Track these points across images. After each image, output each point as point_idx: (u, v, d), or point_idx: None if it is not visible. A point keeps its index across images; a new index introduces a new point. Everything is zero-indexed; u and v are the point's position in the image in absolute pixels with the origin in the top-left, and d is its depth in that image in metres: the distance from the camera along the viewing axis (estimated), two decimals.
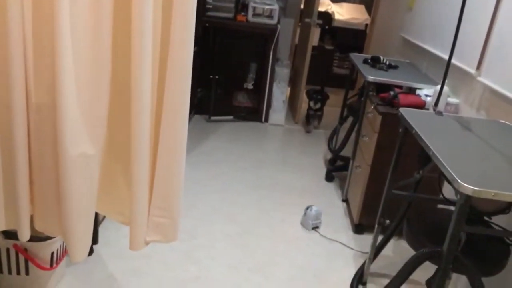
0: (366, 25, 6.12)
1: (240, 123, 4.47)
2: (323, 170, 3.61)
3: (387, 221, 2.15)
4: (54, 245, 1.93)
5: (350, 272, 2.36)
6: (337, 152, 3.51)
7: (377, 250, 2.32)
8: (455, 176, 1.33)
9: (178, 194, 1.47)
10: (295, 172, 3.54)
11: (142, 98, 1.36)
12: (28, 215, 1.47)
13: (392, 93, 2.59)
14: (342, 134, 3.53)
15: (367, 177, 2.65)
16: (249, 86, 4.33)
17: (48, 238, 1.88)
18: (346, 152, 3.35)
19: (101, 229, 2.48)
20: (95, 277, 2.14)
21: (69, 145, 1.30)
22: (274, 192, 3.18)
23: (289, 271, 2.35)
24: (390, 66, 3.10)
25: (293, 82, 5.63)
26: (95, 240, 2.29)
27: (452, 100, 2.49)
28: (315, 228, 2.76)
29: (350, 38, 6.28)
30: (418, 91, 2.69)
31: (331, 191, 3.31)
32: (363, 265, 2.33)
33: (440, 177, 1.80)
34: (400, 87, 2.74)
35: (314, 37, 6.18)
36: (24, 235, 1.48)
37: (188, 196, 2.97)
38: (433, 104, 2.20)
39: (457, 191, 1.34)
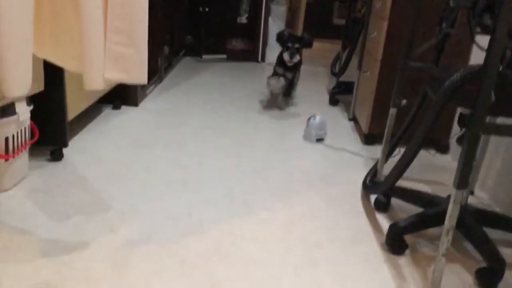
0: None
1: (234, 63, 4.14)
2: (326, 97, 3.28)
3: (404, 101, 1.83)
4: (7, 128, 1.61)
5: (360, 175, 2.03)
6: (339, 73, 3.19)
7: (392, 148, 2.01)
8: None
9: (141, 13, 1.15)
10: (295, 98, 3.21)
11: None
12: None
13: None
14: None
15: (377, 77, 2.33)
16: (243, 20, 3.99)
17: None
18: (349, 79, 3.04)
19: (76, 140, 2.17)
20: (65, 179, 1.82)
21: None
22: (272, 112, 2.86)
23: (290, 175, 2.03)
24: None
25: (290, 27, 5.30)
26: (64, 142, 1.97)
27: None
28: (319, 140, 2.44)
29: None
30: None
31: (336, 113, 2.99)
32: (376, 164, 2.01)
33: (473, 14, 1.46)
34: None
35: None
36: None
37: (177, 116, 2.65)
38: None
39: None
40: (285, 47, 2.81)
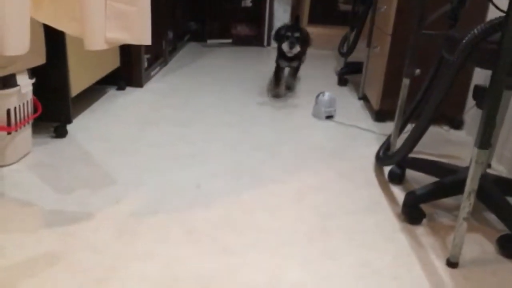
0: None
1: (240, 47, 4.08)
2: (334, 79, 3.22)
3: (418, 71, 1.77)
4: (9, 100, 1.57)
5: (372, 150, 1.97)
6: (347, 53, 3.12)
7: (404, 123, 1.94)
8: None
9: None
10: (303, 80, 3.15)
11: None
12: None
13: None
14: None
15: (388, 52, 2.26)
16: (248, 3, 3.93)
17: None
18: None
19: (80, 119, 2.12)
20: (69, 154, 1.77)
21: None
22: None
23: (299, 150, 1.98)
24: None
25: (296, 12, 5.23)
26: (68, 118, 1.93)
27: None
28: (329, 117, 2.38)
29: None
30: None
31: (346, 93, 2.93)
32: (389, 137, 1.95)
33: None
34: None
35: None
36: None
37: (182, 97, 2.60)
38: None
39: None
40: (284, 37, 2.55)
